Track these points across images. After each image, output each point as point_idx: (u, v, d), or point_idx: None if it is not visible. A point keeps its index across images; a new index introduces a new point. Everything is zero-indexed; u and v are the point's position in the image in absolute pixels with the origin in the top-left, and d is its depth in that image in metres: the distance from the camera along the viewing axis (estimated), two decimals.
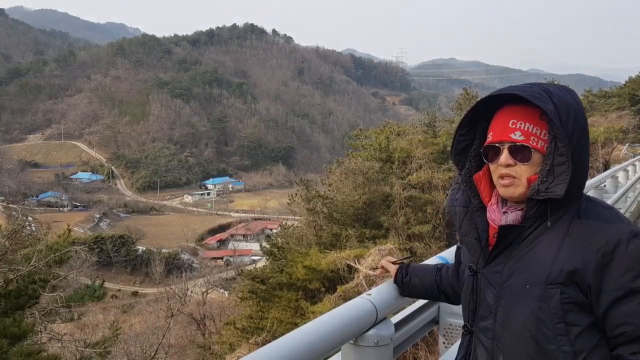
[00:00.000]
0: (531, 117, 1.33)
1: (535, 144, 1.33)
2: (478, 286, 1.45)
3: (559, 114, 1.28)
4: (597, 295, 1.26)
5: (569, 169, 1.27)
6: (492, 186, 1.44)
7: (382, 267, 2.03)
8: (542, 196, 1.30)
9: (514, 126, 1.34)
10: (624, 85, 35.18)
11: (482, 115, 1.44)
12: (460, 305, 1.58)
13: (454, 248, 2.24)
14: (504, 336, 1.36)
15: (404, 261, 2.00)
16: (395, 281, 1.95)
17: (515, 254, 1.36)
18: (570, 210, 1.33)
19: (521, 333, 1.32)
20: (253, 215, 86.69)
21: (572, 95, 1.34)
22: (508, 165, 1.34)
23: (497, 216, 1.40)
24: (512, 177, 1.34)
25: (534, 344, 1.30)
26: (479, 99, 1.45)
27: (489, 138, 1.39)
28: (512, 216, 1.38)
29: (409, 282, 1.90)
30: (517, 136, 1.33)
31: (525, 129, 1.33)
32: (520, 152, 1.33)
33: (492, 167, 1.40)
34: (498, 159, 1.36)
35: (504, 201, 1.42)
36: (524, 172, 1.33)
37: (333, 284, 10.63)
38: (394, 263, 1.99)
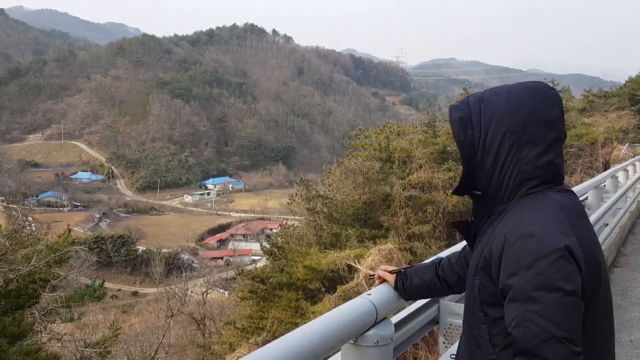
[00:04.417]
0: None
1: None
2: None
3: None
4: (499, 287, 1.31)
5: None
6: None
7: (380, 278, 2.02)
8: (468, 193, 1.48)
9: None
10: (624, 85, 35.17)
11: None
12: (461, 305, 1.63)
13: (453, 248, 2.25)
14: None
15: (401, 269, 1.98)
16: (396, 288, 1.94)
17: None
18: (506, 209, 1.38)
19: (465, 318, 1.49)
20: (253, 215, 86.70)
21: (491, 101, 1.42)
22: None
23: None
24: None
25: (468, 327, 1.46)
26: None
27: None
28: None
29: (410, 285, 1.90)
30: None
31: None
32: None
33: None
34: None
35: None
36: None
37: (333, 284, 10.62)
38: (391, 272, 1.97)
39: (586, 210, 7.72)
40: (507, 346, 1.32)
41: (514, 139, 1.36)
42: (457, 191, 1.49)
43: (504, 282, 1.26)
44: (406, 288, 1.91)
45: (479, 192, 1.43)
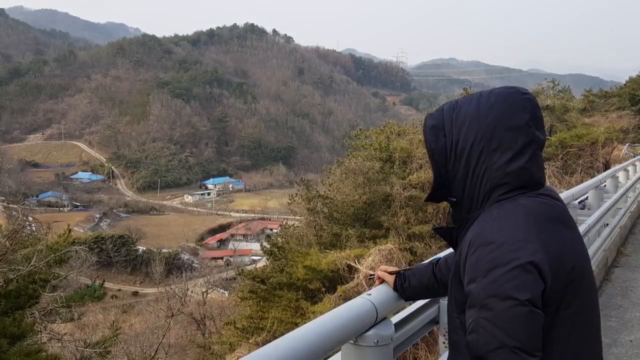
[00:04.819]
0: None
1: None
2: None
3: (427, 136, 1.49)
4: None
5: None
6: None
7: (379, 278, 2.03)
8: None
9: None
10: (624, 85, 35.19)
11: None
12: None
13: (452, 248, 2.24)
14: None
15: (400, 270, 1.99)
16: (395, 289, 1.95)
17: None
18: (479, 215, 1.37)
19: (447, 323, 1.51)
20: (253, 215, 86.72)
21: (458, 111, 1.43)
22: None
23: None
24: None
25: (449, 332, 1.49)
26: None
27: None
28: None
29: (408, 286, 1.91)
30: None
31: None
32: None
33: None
34: None
35: None
36: None
37: (333, 284, 10.62)
38: (390, 273, 1.98)
39: (586, 210, 7.67)
40: None
41: (483, 144, 1.35)
42: (431, 198, 1.51)
43: (466, 288, 1.28)
44: (405, 289, 1.92)
45: (454, 199, 1.44)
